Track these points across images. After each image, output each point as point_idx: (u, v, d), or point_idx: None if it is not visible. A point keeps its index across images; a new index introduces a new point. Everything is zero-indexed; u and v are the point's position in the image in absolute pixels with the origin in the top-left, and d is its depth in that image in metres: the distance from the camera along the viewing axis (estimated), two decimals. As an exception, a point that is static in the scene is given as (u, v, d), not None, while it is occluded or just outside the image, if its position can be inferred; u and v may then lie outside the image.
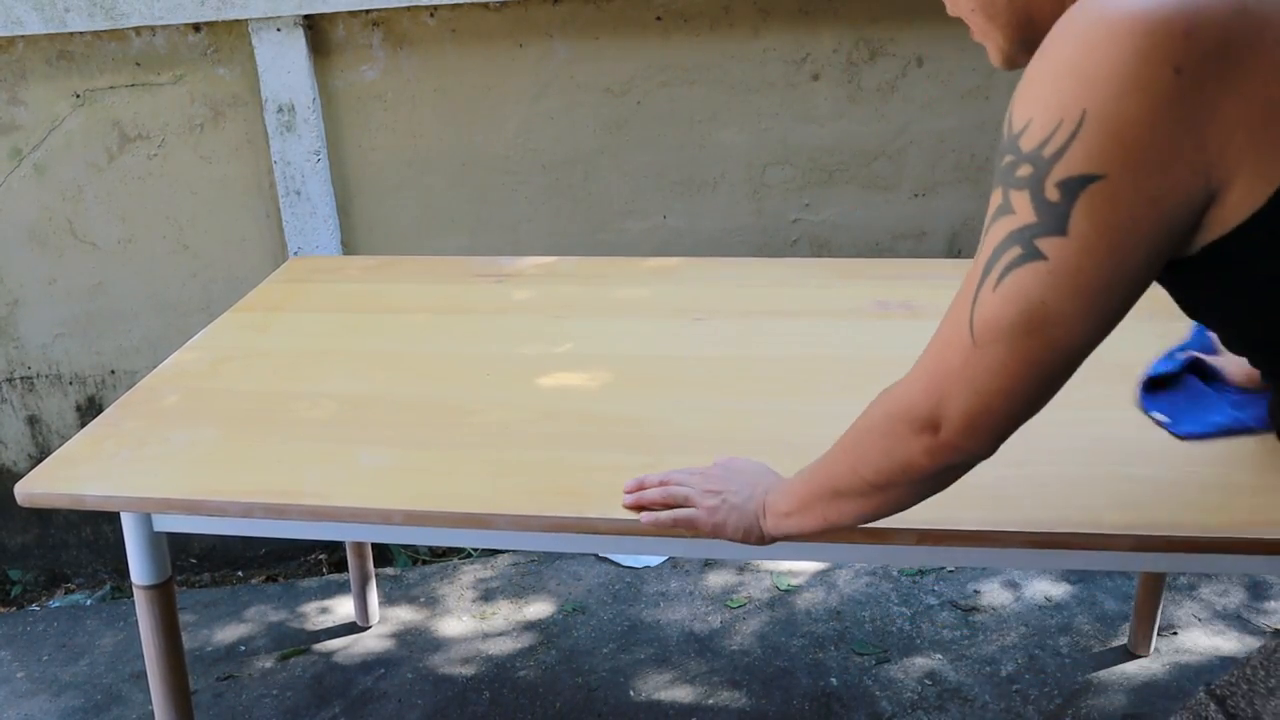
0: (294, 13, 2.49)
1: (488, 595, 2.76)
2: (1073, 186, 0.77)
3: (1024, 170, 0.80)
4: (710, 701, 2.33)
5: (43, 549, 3.15)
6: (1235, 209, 0.78)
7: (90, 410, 2.95)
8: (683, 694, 2.35)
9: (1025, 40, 0.93)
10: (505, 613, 2.68)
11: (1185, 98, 0.72)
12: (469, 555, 2.96)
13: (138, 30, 2.59)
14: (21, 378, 2.95)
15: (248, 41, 2.56)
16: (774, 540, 1.21)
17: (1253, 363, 0.99)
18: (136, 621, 1.65)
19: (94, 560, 3.14)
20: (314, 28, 2.57)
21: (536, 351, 1.80)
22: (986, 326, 0.85)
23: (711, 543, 1.37)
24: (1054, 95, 0.76)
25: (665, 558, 2.83)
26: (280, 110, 2.59)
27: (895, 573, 2.72)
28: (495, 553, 2.95)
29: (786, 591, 2.68)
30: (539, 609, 2.68)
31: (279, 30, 2.53)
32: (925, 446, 0.95)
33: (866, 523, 1.10)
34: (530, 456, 1.46)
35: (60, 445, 1.55)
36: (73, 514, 3.09)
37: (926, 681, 2.35)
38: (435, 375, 1.73)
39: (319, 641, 2.62)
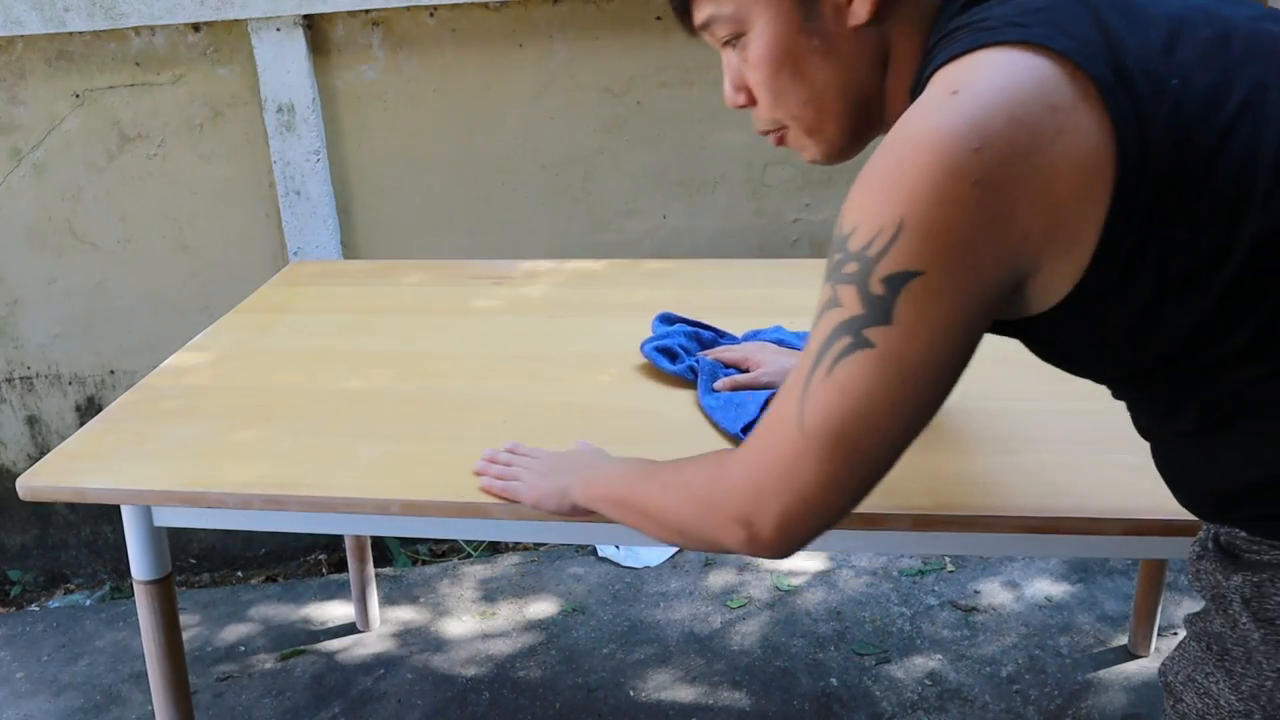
0: (294, 12, 2.50)
1: (488, 595, 2.75)
2: (896, 282, 0.85)
3: (851, 268, 0.88)
4: (710, 701, 2.32)
5: (42, 549, 3.15)
6: (1045, 292, 0.87)
7: (90, 410, 2.95)
8: (683, 694, 2.35)
9: (856, 130, 1.02)
10: (505, 613, 2.68)
11: (985, 204, 0.82)
12: (469, 555, 2.96)
13: (137, 30, 2.60)
14: (21, 378, 2.95)
15: (247, 41, 2.57)
16: (580, 511, 1.26)
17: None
18: (136, 621, 1.65)
19: (93, 560, 3.14)
20: (314, 27, 2.57)
21: (536, 351, 1.80)
22: (816, 417, 0.90)
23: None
24: (877, 204, 0.85)
25: (665, 557, 2.82)
26: (280, 110, 2.59)
27: (895, 573, 2.72)
28: (495, 553, 2.95)
29: (787, 591, 2.68)
30: (539, 609, 2.68)
31: (279, 30, 2.53)
32: (736, 539, 0.97)
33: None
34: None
35: (60, 445, 1.56)
36: (72, 514, 3.09)
37: (927, 682, 2.35)
38: (435, 374, 1.73)
39: (319, 641, 2.62)
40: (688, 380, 1.65)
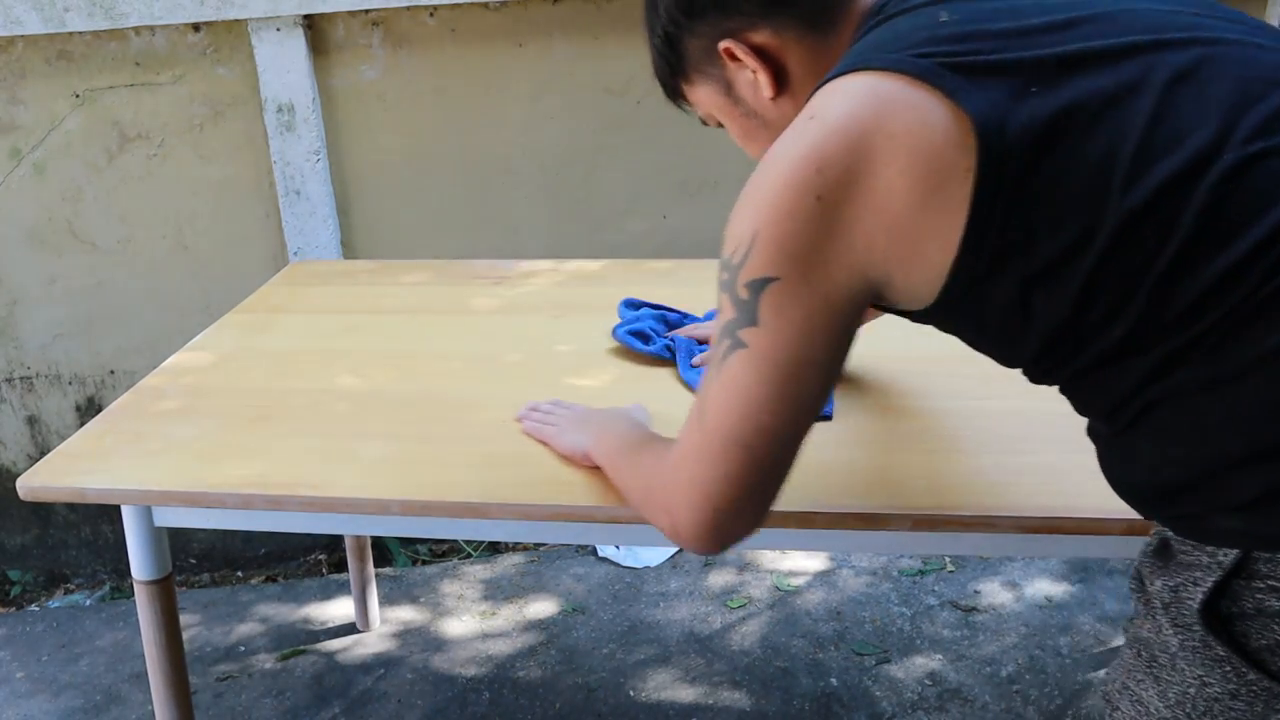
0: (294, 12, 2.50)
1: (488, 595, 2.76)
2: (757, 286, 0.93)
3: (724, 276, 0.96)
4: (710, 701, 2.32)
5: (42, 549, 3.15)
6: (914, 292, 0.94)
7: (90, 410, 2.95)
8: (683, 694, 2.35)
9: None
10: (505, 613, 2.68)
11: (827, 217, 0.90)
12: (469, 555, 2.96)
13: (137, 30, 2.60)
14: (21, 378, 2.95)
15: (247, 41, 2.57)
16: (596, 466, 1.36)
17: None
18: (136, 621, 1.65)
19: (93, 560, 3.14)
20: (314, 27, 2.57)
21: (536, 351, 1.80)
22: (709, 415, 0.98)
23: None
24: (740, 220, 0.95)
25: (665, 558, 2.83)
26: (280, 110, 2.59)
27: (895, 573, 2.72)
28: (495, 553, 2.95)
29: (787, 592, 2.68)
30: (539, 609, 2.68)
31: (279, 30, 2.53)
32: (664, 527, 1.05)
33: None
34: (528, 449, 1.46)
35: (60, 445, 1.56)
36: (72, 514, 3.09)
37: (927, 682, 2.35)
38: (435, 374, 1.73)
39: (319, 641, 2.62)
40: (664, 359, 1.72)
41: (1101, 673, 2.34)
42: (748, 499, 0.99)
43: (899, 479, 1.35)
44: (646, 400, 1.60)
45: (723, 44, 1.10)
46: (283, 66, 2.56)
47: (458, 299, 2.07)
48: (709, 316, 1.84)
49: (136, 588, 1.57)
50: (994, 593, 2.63)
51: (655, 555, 2.83)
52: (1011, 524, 1.26)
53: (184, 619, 2.72)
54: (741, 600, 2.66)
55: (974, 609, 2.58)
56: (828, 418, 1.53)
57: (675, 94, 1.24)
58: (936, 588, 2.66)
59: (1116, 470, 0.98)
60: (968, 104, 0.87)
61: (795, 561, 2.80)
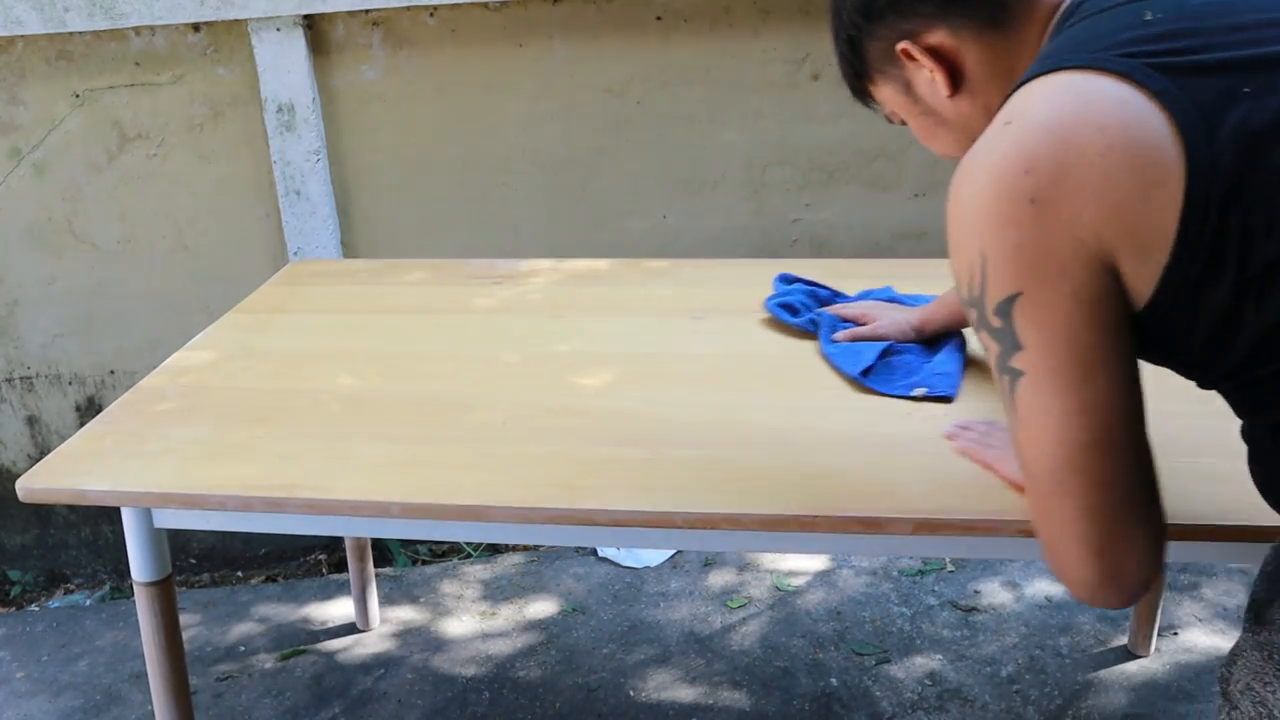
0: (294, 12, 2.49)
1: (488, 595, 2.76)
2: (1005, 308, 0.91)
3: (973, 315, 0.95)
4: (710, 701, 2.32)
5: (42, 549, 3.15)
6: (1136, 288, 0.90)
7: (90, 410, 2.95)
8: (683, 694, 2.35)
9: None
10: (505, 613, 2.68)
11: (1047, 218, 0.87)
12: (469, 555, 2.96)
13: (137, 30, 2.60)
14: (21, 378, 2.95)
15: (247, 41, 2.57)
16: None
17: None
18: (136, 621, 1.65)
19: (93, 560, 3.14)
20: (314, 28, 2.57)
21: (536, 351, 1.80)
22: (1030, 462, 0.94)
23: (706, 534, 1.38)
24: (961, 250, 0.94)
25: (665, 558, 2.82)
26: (280, 110, 2.59)
27: (895, 573, 2.72)
28: (495, 553, 2.95)
29: (787, 592, 2.68)
30: (539, 609, 2.68)
31: (279, 30, 2.53)
32: (1074, 592, 0.98)
33: None
34: (528, 451, 1.46)
35: (59, 446, 1.56)
36: (72, 514, 3.09)
37: (927, 682, 2.35)
38: (435, 374, 1.73)
39: (319, 641, 2.62)
40: (809, 332, 1.80)
41: (1101, 673, 2.34)
42: (1120, 525, 0.92)
43: (899, 482, 1.35)
44: (643, 403, 1.60)
45: (900, 45, 1.10)
46: (283, 66, 2.56)
47: (457, 299, 2.07)
48: (860, 296, 1.93)
49: (136, 589, 1.57)
50: (994, 593, 2.63)
51: (655, 555, 2.83)
52: (1015, 528, 1.25)
53: (184, 619, 2.72)
54: (741, 600, 2.66)
55: (974, 609, 2.58)
56: (948, 399, 1.56)
57: (862, 95, 1.25)
58: (936, 588, 2.66)
59: (1274, 476, 0.97)
60: (1175, 108, 0.85)
61: (795, 561, 2.80)
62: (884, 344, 1.68)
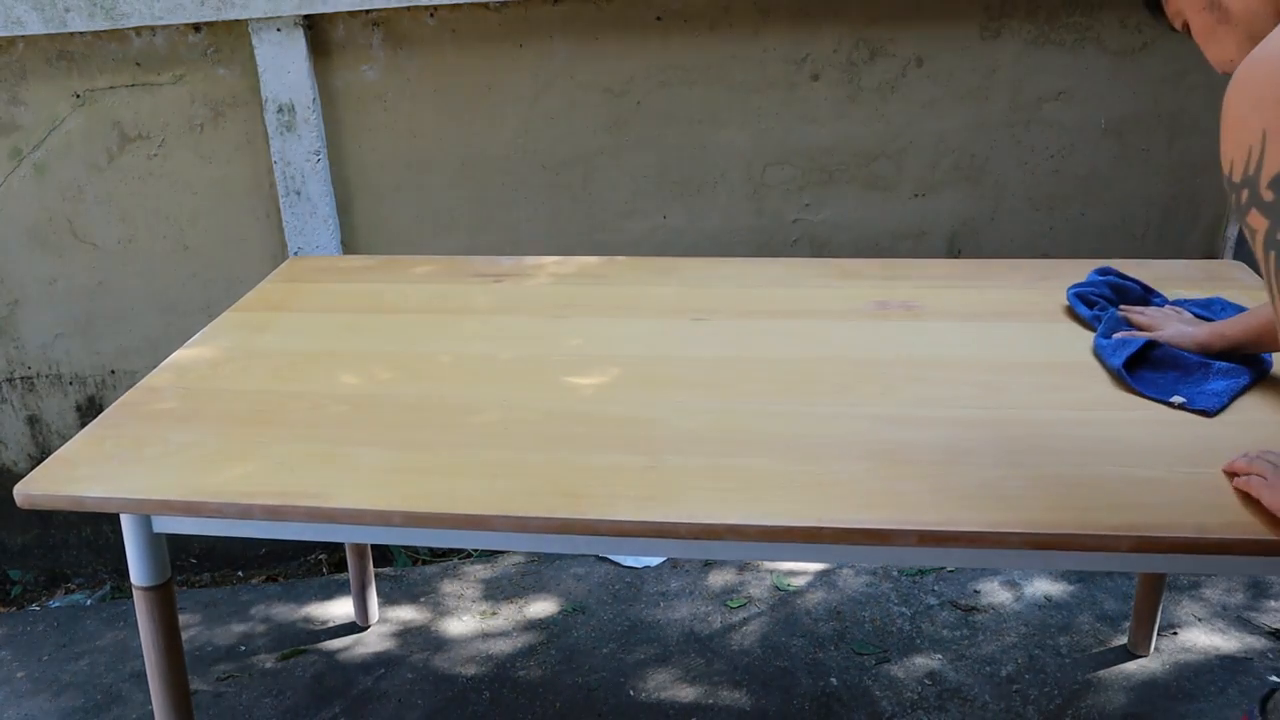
0: (294, 13, 2.49)
1: (488, 595, 2.76)
2: (1278, 182, 0.91)
3: (1244, 195, 0.95)
4: (710, 701, 2.32)
5: (43, 549, 3.15)
6: None
7: (90, 410, 2.95)
8: (683, 694, 2.35)
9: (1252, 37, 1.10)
10: (505, 613, 2.68)
11: None
12: (469, 555, 2.96)
13: (138, 30, 2.59)
14: (21, 378, 2.95)
15: (248, 41, 2.56)
16: None
17: None
18: (136, 621, 1.65)
19: (94, 560, 3.14)
20: (314, 28, 2.57)
21: (536, 351, 1.80)
22: None
23: (709, 544, 1.38)
24: (1240, 130, 0.94)
25: (665, 558, 2.82)
26: (280, 110, 2.59)
27: (895, 573, 2.72)
28: (496, 553, 2.95)
29: (787, 592, 2.68)
30: (539, 609, 2.68)
31: (279, 30, 2.53)
32: None
33: None
34: (530, 457, 1.46)
35: (60, 445, 1.55)
36: (72, 514, 3.09)
37: (926, 681, 2.35)
38: (435, 375, 1.73)
39: (319, 641, 2.62)
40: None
41: (1101, 673, 2.34)
42: None
43: (905, 492, 1.35)
44: (643, 406, 1.60)
45: None
46: (283, 67, 2.56)
47: (458, 297, 2.07)
48: (1178, 303, 1.87)
49: (136, 594, 1.57)
50: (994, 592, 2.63)
51: (654, 556, 2.83)
52: (1020, 540, 1.25)
53: (184, 619, 2.72)
54: (741, 600, 2.66)
55: (974, 609, 2.58)
56: (1207, 413, 1.52)
57: (1154, 6, 1.25)
58: (936, 587, 2.66)
59: None
60: None
61: (795, 562, 2.80)
62: (1144, 339, 1.65)
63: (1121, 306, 1.83)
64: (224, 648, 2.63)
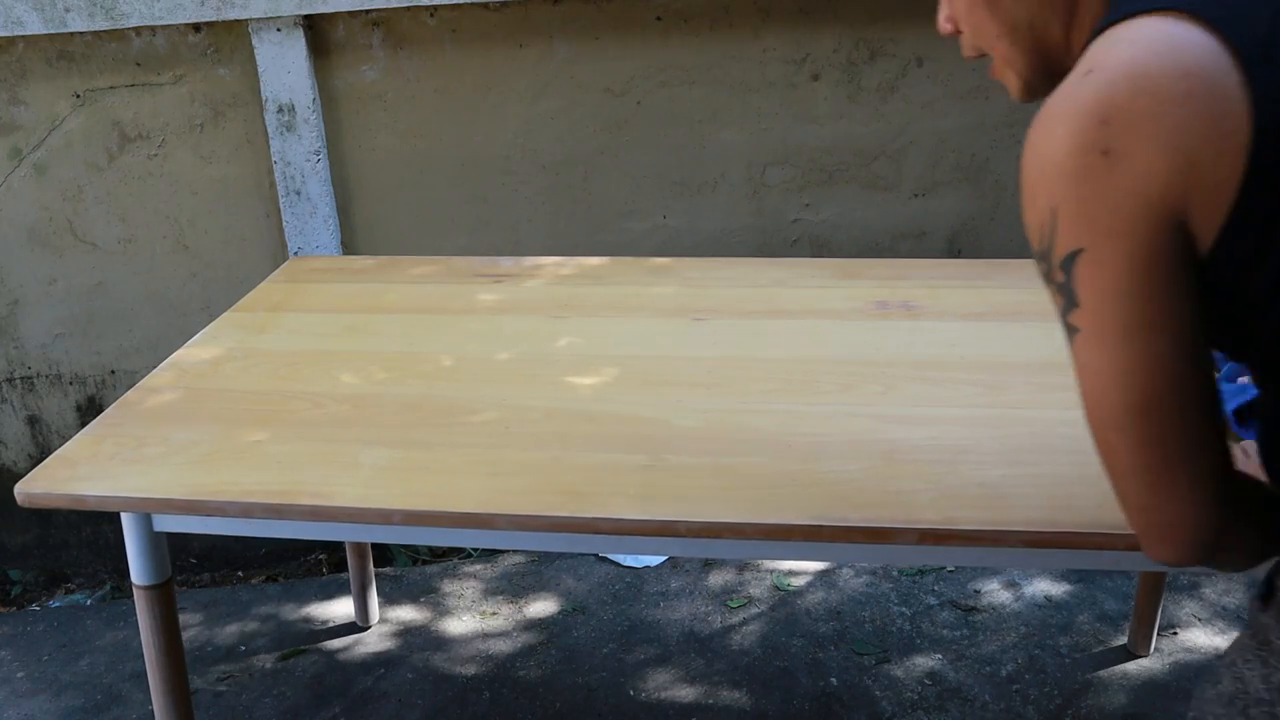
0: (294, 13, 2.49)
1: (488, 595, 2.76)
2: (1068, 265, 0.90)
3: (1042, 268, 0.93)
4: (710, 701, 2.32)
5: (43, 549, 3.15)
6: (1200, 244, 0.88)
7: (90, 410, 2.95)
8: (683, 694, 2.35)
9: (1044, 71, 1.05)
10: (505, 613, 2.68)
11: (1117, 170, 0.85)
12: (469, 555, 2.96)
13: (138, 30, 2.59)
14: (21, 378, 2.95)
15: (248, 42, 2.56)
16: None
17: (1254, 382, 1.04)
18: (136, 621, 1.65)
19: (94, 560, 3.14)
20: (314, 28, 2.57)
21: (536, 351, 1.80)
22: (1088, 417, 0.94)
23: (709, 542, 1.38)
24: (1033, 201, 0.91)
25: (665, 558, 2.83)
26: (280, 110, 2.59)
27: (895, 573, 2.72)
28: (496, 552, 2.95)
29: (787, 591, 2.68)
30: (539, 609, 2.68)
31: (279, 30, 2.53)
32: (1151, 553, 0.98)
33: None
34: (530, 456, 1.46)
35: (60, 445, 1.55)
36: (73, 514, 3.09)
37: (926, 681, 2.35)
38: (435, 375, 1.73)
39: (319, 641, 2.62)
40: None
41: (1101, 673, 2.34)
42: (1161, 486, 0.92)
43: (904, 491, 1.35)
44: (643, 406, 1.60)
45: None
46: (283, 67, 2.56)
47: (459, 297, 2.07)
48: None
49: (136, 593, 1.57)
50: (994, 592, 2.63)
51: (655, 555, 2.83)
52: (1019, 538, 1.25)
53: (184, 619, 2.72)
54: (741, 600, 2.66)
55: (974, 609, 2.58)
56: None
57: None
58: (936, 587, 2.66)
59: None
60: (1251, 69, 0.84)
61: (795, 562, 2.80)
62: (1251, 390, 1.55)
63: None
64: (224, 648, 2.63)
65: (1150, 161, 0.85)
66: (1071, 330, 0.92)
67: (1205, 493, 0.93)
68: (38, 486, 1.46)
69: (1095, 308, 0.89)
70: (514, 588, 2.78)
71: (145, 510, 1.48)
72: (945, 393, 1.61)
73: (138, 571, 1.56)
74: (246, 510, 1.39)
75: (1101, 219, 0.87)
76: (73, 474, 1.49)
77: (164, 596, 1.58)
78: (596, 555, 2.87)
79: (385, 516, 1.36)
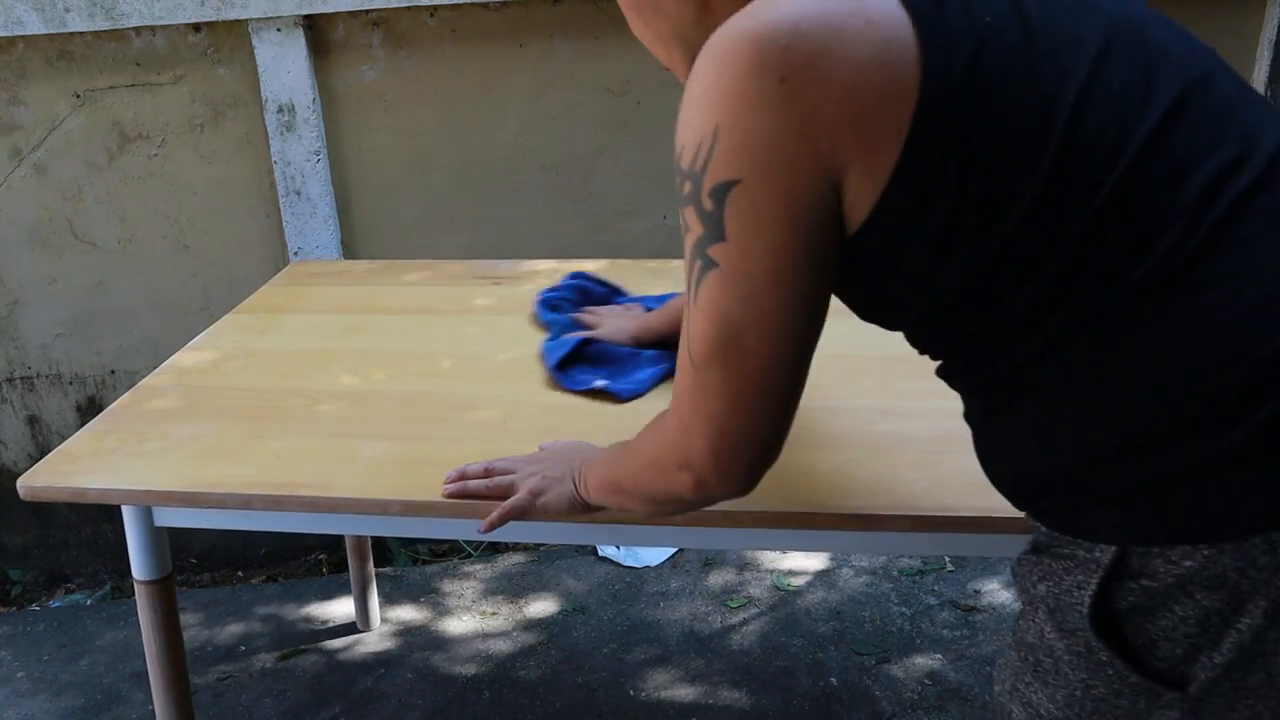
0: (294, 13, 2.50)
1: (488, 595, 2.76)
2: (719, 193, 0.85)
3: (687, 188, 0.88)
4: (710, 701, 2.32)
5: (43, 549, 3.15)
6: (855, 207, 0.86)
7: (90, 410, 2.95)
8: (683, 694, 2.35)
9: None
10: (505, 613, 2.68)
11: (792, 102, 0.81)
12: (469, 555, 2.96)
13: (138, 30, 2.60)
14: (21, 378, 2.95)
15: (248, 42, 2.57)
16: (597, 507, 1.23)
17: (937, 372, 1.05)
18: (137, 621, 1.65)
19: (94, 560, 3.15)
20: (314, 28, 2.57)
21: (535, 351, 1.80)
22: (697, 345, 0.91)
23: (705, 531, 1.38)
24: (695, 117, 0.86)
25: (665, 557, 2.83)
26: (280, 110, 2.60)
27: (895, 572, 2.72)
28: (496, 552, 2.95)
29: (787, 591, 2.68)
30: (539, 609, 2.68)
31: (279, 30, 2.53)
32: (685, 485, 0.98)
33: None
34: (529, 449, 1.46)
35: (60, 445, 1.56)
36: (73, 514, 3.09)
37: (927, 681, 2.35)
38: (435, 374, 1.73)
39: (319, 641, 2.62)
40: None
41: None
42: (764, 426, 0.93)
43: (898, 478, 1.35)
44: (642, 402, 1.60)
45: None
46: (283, 67, 2.56)
47: (457, 299, 2.07)
48: (640, 300, 1.94)
49: (137, 588, 1.57)
50: (994, 592, 2.63)
51: (655, 555, 2.83)
52: (1013, 524, 1.25)
53: (184, 619, 2.72)
54: (741, 600, 2.66)
55: (974, 609, 2.58)
56: (619, 397, 1.58)
57: None
58: (936, 587, 2.66)
59: (991, 457, 0.97)
60: (922, 23, 0.82)
61: (795, 561, 2.80)
62: (579, 339, 1.70)
63: (585, 309, 1.88)
64: (224, 647, 2.63)
65: (822, 101, 0.82)
66: (708, 264, 0.88)
67: (777, 432, 0.95)
68: (39, 480, 1.46)
69: (745, 248, 0.86)
70: (514, 587, 2.78)
71: (145, 503, 1.48)
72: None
73: (138, 566, 1.56)
74: (246, 502, 1.39)
75: (767, 152, 0.83)
76: (74, 468, 1.49)
77: (165, 592, 1.58)
78: (596, 555, 2.87)
79: (383, 507, 1.36)
